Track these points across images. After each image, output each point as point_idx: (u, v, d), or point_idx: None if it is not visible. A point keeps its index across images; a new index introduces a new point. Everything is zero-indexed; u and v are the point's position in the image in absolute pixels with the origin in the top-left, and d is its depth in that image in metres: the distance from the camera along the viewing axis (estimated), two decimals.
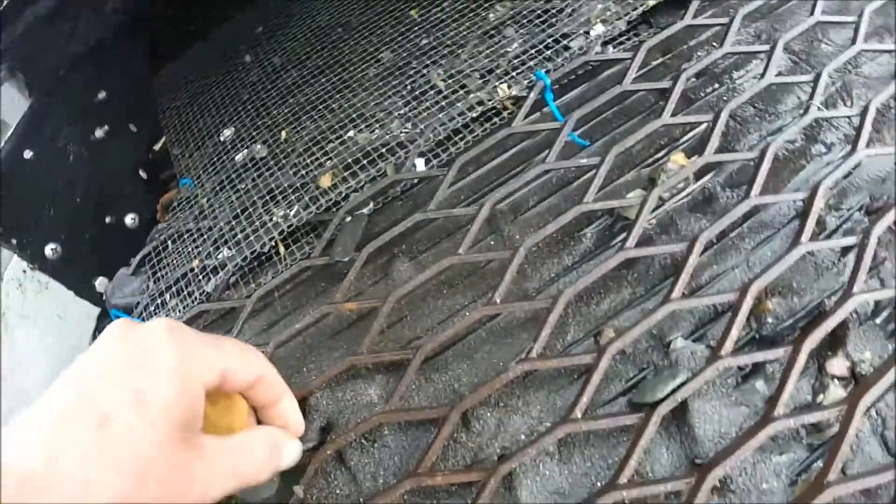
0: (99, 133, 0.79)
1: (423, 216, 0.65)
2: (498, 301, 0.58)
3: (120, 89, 0.85)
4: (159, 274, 0.73)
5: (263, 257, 0.71)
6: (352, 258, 0.64)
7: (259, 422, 0.51)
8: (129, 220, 0.78)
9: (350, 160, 0.72)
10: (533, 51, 0.76)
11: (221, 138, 0.81)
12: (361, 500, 0.54)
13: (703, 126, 0.68)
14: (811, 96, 0.68)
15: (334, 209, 0.69)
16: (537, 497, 0.51)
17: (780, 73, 0.71)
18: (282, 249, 0.69)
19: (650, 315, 0.54)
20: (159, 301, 0.71)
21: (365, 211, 0.70)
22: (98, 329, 0.76)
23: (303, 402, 0.58)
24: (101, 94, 0.83)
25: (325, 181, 0.71)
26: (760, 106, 0.72)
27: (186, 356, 0.41)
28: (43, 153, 0.72)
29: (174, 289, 0.70)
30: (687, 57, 0.75)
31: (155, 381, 0.39)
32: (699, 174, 0.66)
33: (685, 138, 0.69)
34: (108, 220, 0.77)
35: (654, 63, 0.77)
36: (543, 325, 0.55)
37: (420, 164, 0.71)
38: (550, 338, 0.56)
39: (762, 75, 0.70)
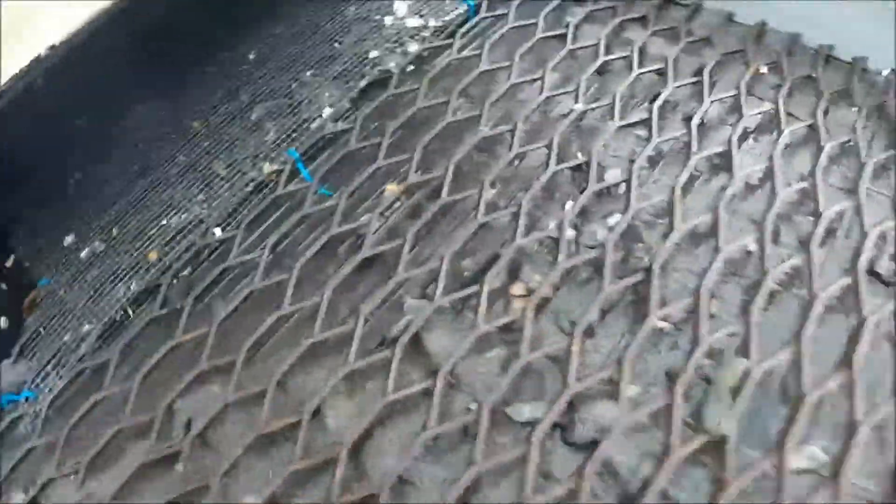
0: None
1: (226, 265, 0.84)
2: (287, 305, 0.78)
3: None
4: (39, 354, 0.86)
5: (117, 322, 0.86)
6: (182, 306, 0.82)
7: None
8: (3, 322, 0.90)
9: (168, 238, 0.90)
10: (284, 135, 0.97)
11: (65, 244, 0.95)
12: (226, 463, 0.71)
13: (406, 163, 0.92)
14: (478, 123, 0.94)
15: (163, 276, 0.86)
16: (340, 421, 0.72)
17: (455, 118, 0.96)
18: (130, 312, 0.85)
19: (384, 287, 0.77)
20: (43, 372, 0.84)
21: (185, 272, 0.88)
22: None
23: (170, 408, 0.75)
24: None
25: (153, 256, 0.88)
26: (443, 144, 0.96)
27: None
28: None
29: (53, 360, 0.84)
30: (392, 117, 0.98)
31: None
32: (409, 193, 0.90)
33: (399, 172, 0.92)
34: None
35: (372, 126, 1.00)
36: (317, 312, 0.76)
37: (218, 231, 0.90)
38: (325, 320, 0.77)
39: (444, 119, 0.95)
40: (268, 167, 0.93)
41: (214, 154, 0.98)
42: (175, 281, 0.86)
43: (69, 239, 0.96)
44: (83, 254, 0.93)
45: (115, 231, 0.93)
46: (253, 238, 0.89)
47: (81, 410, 0.78)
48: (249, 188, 0.92)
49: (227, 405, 0.73)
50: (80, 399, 0.82)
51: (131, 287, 0.86)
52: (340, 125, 0.98)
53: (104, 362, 0.82)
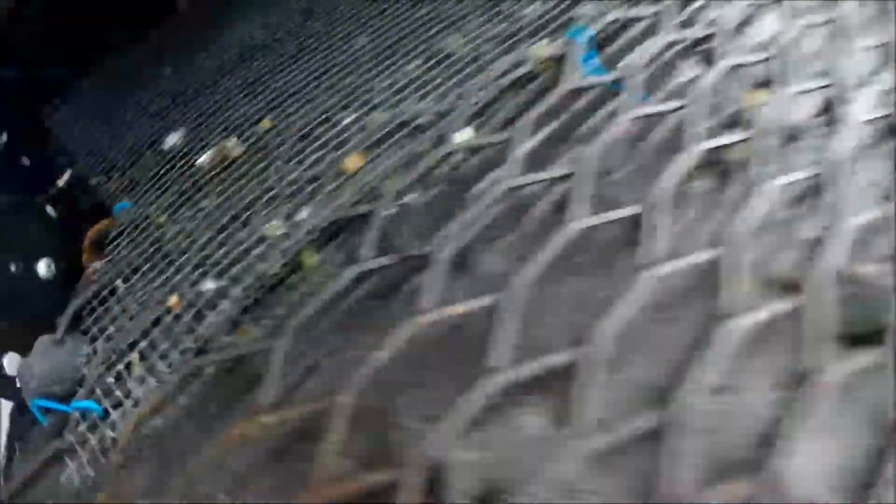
0: None
1: (506, 186, 0.43)
2: (652, 262, 0.36)
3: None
4: (111, 329, 0.43)
5: (274, 279, 0.44)
6: (428, 251, 0.40)
7: None
8: (43, 267, 0.48)
9: (370, 142, 0.48)
10: (557, 11, 0.57)
11: (167, 146, 0.53)
12: None
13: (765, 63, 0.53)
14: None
15: (369, 201, 0.45)
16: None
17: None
18: (309, 259, 0.43)
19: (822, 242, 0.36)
20: (120, 366, 0.41)
21: (407, 199, 0.46)
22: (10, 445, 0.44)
23: (433, 463, 0.32)
24: None
25: (351, 165, 0.46)
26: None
27: None
28: None
29: (143, 344, 0.41)
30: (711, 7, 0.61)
31: None
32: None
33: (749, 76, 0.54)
34: (12, 268, 0.46)
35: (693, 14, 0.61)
36: (716, 275, 0.35)
37: (461, 135, 0.49)
38: (736, 290, 0.35)
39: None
40: (539, 50, 0.53)
41: (438, 25, 0.57)
42: (395, 212, 0.44)
43: (173, 139, 0.54)
44: (202, 158, 0.51)
45: (263, 124, 0.51)
46: (533, 148, 0.48)
47: (204, 457, 0.35)
48: (512, 76, 0.51)
49: (577, 456, 0.30)
50: (196, 425, 0.39)
51: (298, 219, 0.44)
52: (639, 10, 0.59)
53: (253, 354, 0.39)
